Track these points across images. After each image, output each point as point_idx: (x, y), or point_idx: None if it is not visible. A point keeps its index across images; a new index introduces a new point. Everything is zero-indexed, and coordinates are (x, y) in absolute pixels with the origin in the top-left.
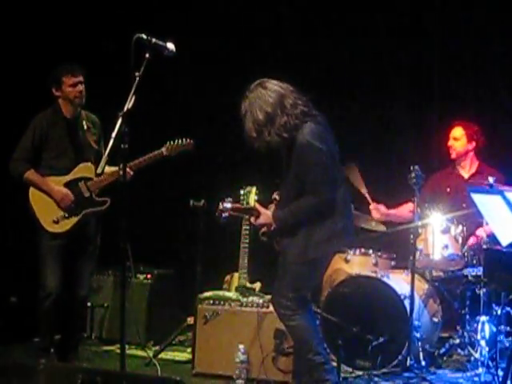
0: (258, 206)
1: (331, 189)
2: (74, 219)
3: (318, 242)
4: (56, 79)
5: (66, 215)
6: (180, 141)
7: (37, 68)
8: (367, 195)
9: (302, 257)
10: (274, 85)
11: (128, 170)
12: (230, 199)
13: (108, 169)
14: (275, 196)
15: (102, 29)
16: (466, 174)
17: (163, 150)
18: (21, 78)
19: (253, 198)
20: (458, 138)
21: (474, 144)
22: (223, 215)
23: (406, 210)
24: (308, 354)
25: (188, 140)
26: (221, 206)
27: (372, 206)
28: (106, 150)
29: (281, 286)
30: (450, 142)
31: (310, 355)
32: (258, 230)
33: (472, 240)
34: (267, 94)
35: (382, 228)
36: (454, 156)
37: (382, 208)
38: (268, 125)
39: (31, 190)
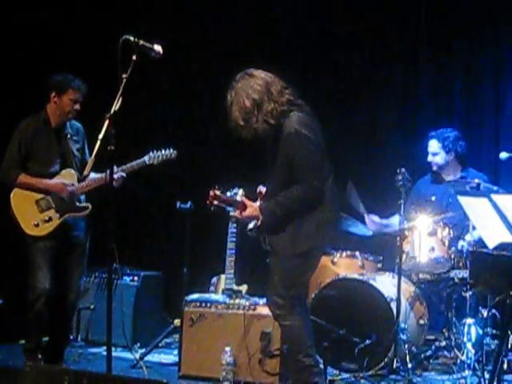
0: (244, 198)
1: (319, 177)
2: (54, 223)
3: (307, 233)
4: (61, 86)
5: (46, 219)
6: (163, 151)
7: (19, 72)
8: (364, 210)
9: (292, 248)
10: (260, 73)
11: (121, 173)
12: (218, 187)
13: (94, 175)
14: (260, 189)
15: (89, 30)
16: (450, 178)
17: (146, 159)
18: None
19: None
20: (436, 153)
21: (453, 154)
22: (214, 203)
23: (397, 220)
24: (298, 354)
25: (171, 150)
26: (212, 193)
27: (367, 217)
28: (92, 152)
29: (274, 286)
30: (430, 158)
31: (301, 356)
32: (245, 225)
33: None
34: (254, 82)
35: (369, 231)
36: (435, 169)
37: (377, 218)
38: (255, 111)
39: (13, 193)
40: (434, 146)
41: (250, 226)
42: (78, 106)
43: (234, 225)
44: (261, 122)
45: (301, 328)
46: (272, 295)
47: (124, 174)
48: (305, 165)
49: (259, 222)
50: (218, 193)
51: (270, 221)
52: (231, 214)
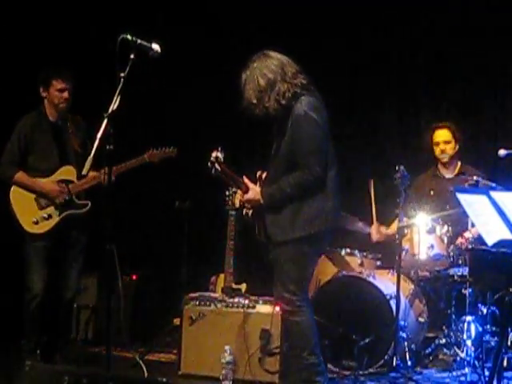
0: (246, 180)
1: (323, 164)
2: (54, 221)
3: (306, 218)
4: (45, 80)
5: (45, 216)
6: (163, 148)
7: (21, 69)
8: (374, 215)
9: (291, 233)
10: (276, 54)
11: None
12: (221, 149)
13: (91, 173)
14: (259, 174)
15: (88, 28)
16: (449, 176)
17: (145, 156)
18: (4, 79)
19: (238, 199)
20: (449, 141)
21: (458, 145)
22: (215, 166)
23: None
24: (303, 352)
25: (171, 148)
26: (214, 155)
27: (373, 227)
28: (91, 151)
29: (281, 281)
30: (442, 146)
31: (305, 354)
32: (242, 209)
33: (460, 239)
34: (270, 62)
35: (368, 229)
36: (446, 160)
37: (383, 229)
38: (268, 90)
39: (12, 190)
40: (445, 134)
41: (247, 210)
42: (66, 94)
43: (233, 223)
44: (272, 102)
45: (308, 325)
46: (280, 291)
47: (113, 177)
48: (309, 149)
49: (258, 206)
50: (219, 155)
51: (270, 206)
52: (230, 212)
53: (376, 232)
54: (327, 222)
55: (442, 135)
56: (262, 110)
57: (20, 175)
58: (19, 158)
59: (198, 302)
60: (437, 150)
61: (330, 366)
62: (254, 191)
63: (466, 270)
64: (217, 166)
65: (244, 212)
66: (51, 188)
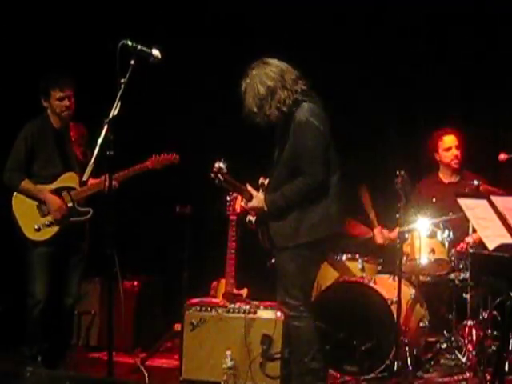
0: (250, 188)
1: (325, 170)
2: (56, 228)
3: (309, 225)
4: (44, 90)
5: (47, 223)
6: (166, 155)
7: (24, 74)
8: (374, 218)
9: (294, 238)
10: (275, 61)
11: (114, 182)
12: (224, 160)
13: (92, 180)
14: (262, 181)
15: (88, 34)
16: (450, 181)
17: (148, 163)
18: (8, 84)
19: (239, 204)
20: (459, 147)
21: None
22: (219, 176)
23: None
24: (305, 357)
25: (173, 154)
26: (216, 165)
27: (376, 230)
28: (92, 157)
29: (285, 287)
30: (455, 152)
31: (307, 359)
32: (244, 215)
33: (461, 245)
34: (269, 69)
35: (370, 234)
36: (458, 166)
37: (386, 232)
38: (269, 98)
39: (14, 197)
40: (454, 139)
41: (250, 217)
42: (66, 102)
43: (234, 228)
44: (273, 109)
45: (310, 330)
46: (283, 296)
47: (117, 184)
48: (311, 156)
49: (262, 214)
50: (222, 166)
51: (274, 213)
52: (231, 218)
53: (380, 235)
54: (331, 227)
55: (453, 140)
56: (263, 118)
57: (26, 183)
58: (25, 165)
59: (199, 308)
60: (448, 156)
61: (331, 371)
62: (258, 198)
63: (466, 275)
64: (220, 176)
65: (247, 219)
66: (54, 202)
